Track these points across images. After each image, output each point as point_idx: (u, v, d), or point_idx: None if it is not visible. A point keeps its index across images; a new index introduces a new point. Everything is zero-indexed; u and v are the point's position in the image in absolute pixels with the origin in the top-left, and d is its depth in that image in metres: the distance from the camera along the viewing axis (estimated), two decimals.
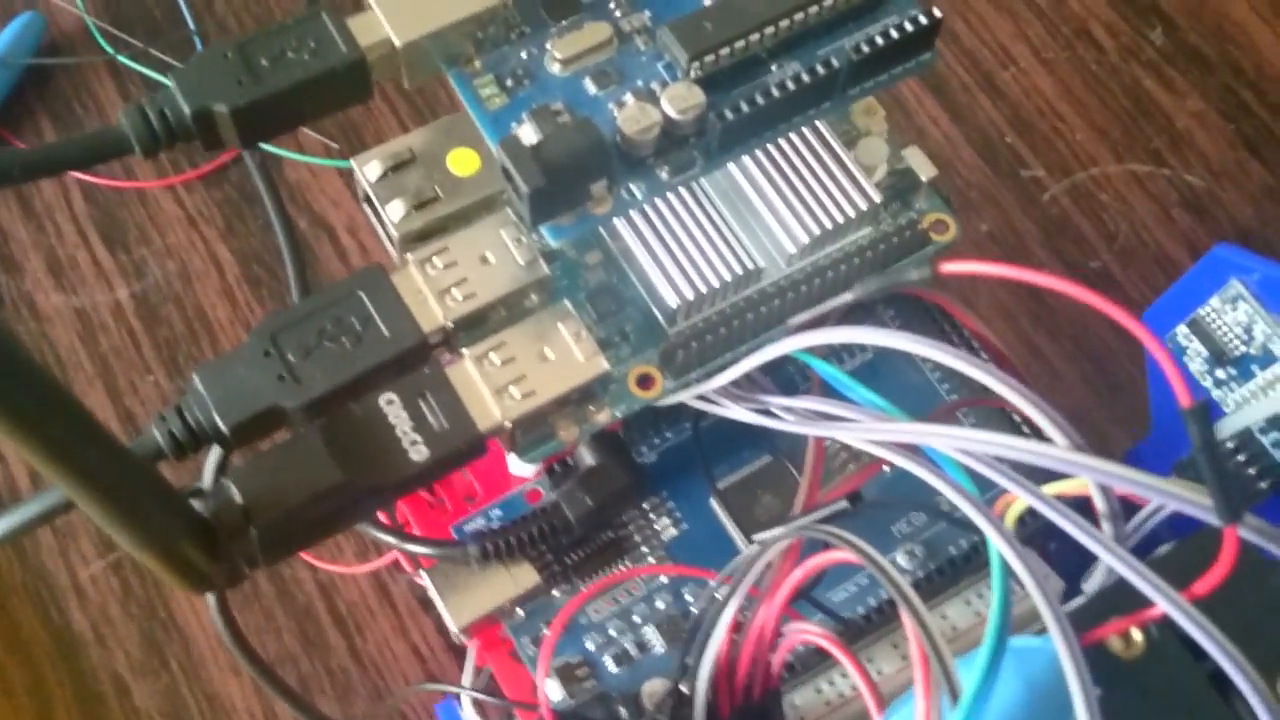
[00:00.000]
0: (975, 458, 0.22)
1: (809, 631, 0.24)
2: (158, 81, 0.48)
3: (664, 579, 0.30)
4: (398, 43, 0.25)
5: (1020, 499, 0.23)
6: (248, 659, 0.27)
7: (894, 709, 0.22)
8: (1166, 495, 0.20)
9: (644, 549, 0.31)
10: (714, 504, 0.30)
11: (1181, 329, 0.28)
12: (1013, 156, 0.52)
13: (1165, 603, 0.20)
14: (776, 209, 0.28)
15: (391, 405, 0.25)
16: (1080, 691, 0.20)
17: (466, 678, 0.30)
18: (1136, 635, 0.23)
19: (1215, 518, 0.20)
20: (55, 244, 0.47)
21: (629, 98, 0.25)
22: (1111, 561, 0.21)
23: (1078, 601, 0.24)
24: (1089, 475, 0.21)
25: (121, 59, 0.50)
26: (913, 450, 0.25)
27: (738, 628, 0.25)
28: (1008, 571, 0.21)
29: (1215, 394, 0.28)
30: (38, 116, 0.49)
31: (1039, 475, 0.24)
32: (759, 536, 0.25)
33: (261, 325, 0.25)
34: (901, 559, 0.31)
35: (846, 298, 0.25)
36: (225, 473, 0.25)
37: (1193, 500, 0.20)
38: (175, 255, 0.47)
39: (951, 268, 0.22)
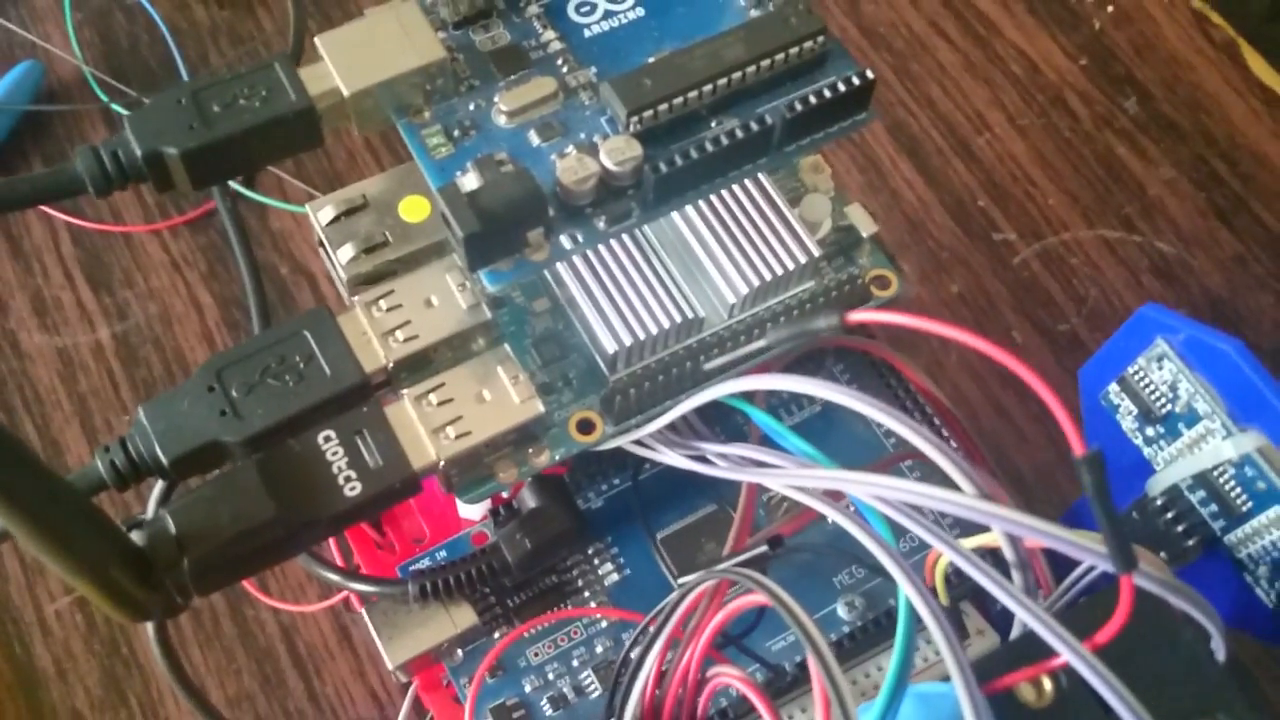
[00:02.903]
0: (893, 507, 0.23)
1: (729, 675, 0.24)
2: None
3: (604, 623, 0.31)
4: (346, 92, 0.25)
5: (969, 572, 0.23)
6: (180, 684, 0.27)
7: None
8: (1065, 544, 0.21)
9: (586, 593, 0.31)
10: (653, 550, 0.31)
11: (1113, 387, 0.29)
12: (985, 220, 0.53)
13: (1067, 651, 0.21)
14: (719, 260, 0.29)
15: (329, 442, 0.26)
16: None
17: (401, 717, 0.30)
18: (1048, 685, 0.23)
19: (1111, 565, 0.21)
20: (41, 284, 0.48)
21: (571, 149, 0.26)
22: (1015, 609, 0.21)
23: (990, 649, 0.25)
24: (994, 524, 0.22)
25: (115, 107, 0.51)
26: (839, 500, 0.25)
27: (663, 671, 0.26)
28: (914, 617, 0.21)
29: (1146, 452, 0.29)
30: (32, 161, 0.51)
31: (971, 529, 0.25)
32: (682, 580, 0.26)
33: (208, 362, 0.26)
34: (841, 610, 0.31)
35: (759, 344, 0.26)
36: (166, 504, 0.26)
37: (1089, 549, 0.21)
38: (157, 298, 0.48)
39: (857, 316, 0.23)
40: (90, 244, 0.49)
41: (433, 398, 0.26)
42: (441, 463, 0.26)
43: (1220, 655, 0.24)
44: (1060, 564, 0.27)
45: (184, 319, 0.48)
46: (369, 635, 0.35)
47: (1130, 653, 0.22)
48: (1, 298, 0.48)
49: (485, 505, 0.31)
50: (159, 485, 0.27)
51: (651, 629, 0.25)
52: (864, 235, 0.30)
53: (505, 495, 0.31)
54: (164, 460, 0.25)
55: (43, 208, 0.49)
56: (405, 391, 0.26)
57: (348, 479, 0.25)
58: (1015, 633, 0.26)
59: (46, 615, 0.42)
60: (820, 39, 0.27)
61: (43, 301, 0.48)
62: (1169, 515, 0.28)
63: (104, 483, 0.25)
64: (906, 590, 0.21)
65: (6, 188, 0.24)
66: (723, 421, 0.31)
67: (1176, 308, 0.52)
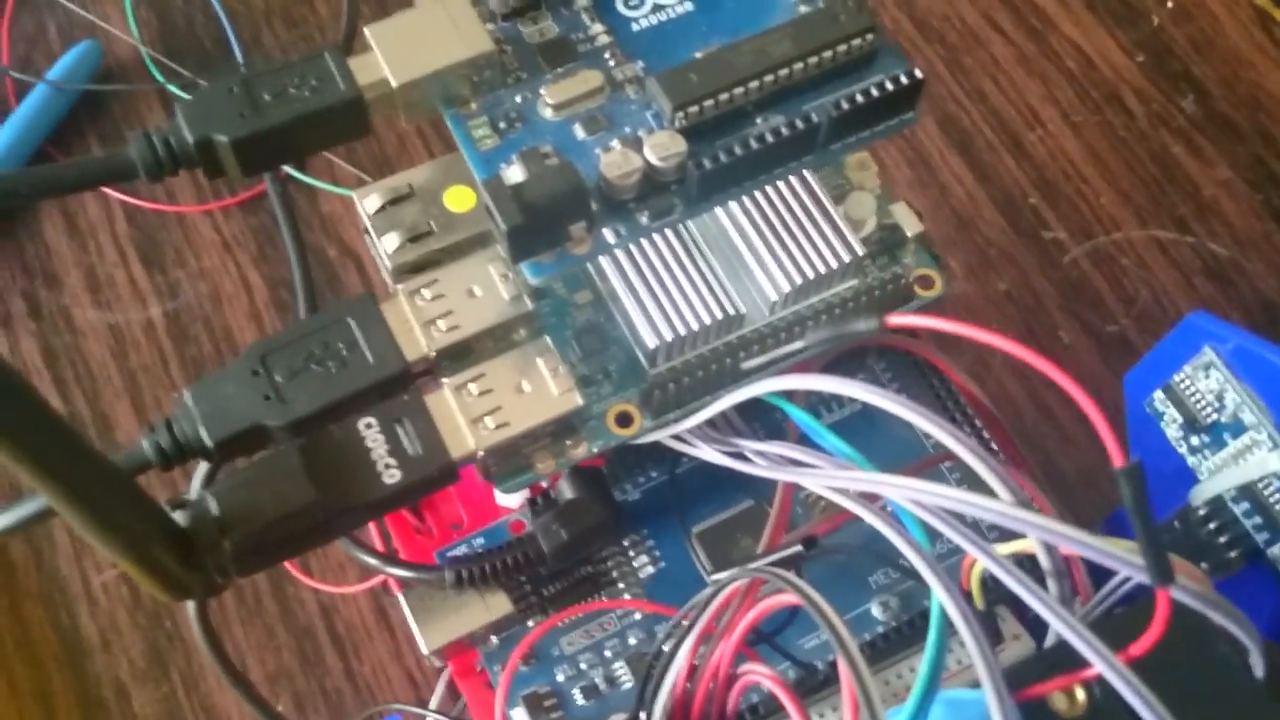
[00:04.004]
0: (929, 511, 0.23)
1: (759, 673, 0.24)
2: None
3: (637, 616, 0.31)
4: (394, 84, 0.26)
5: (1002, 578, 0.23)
6: (220, 662, 0.28)
7: None
8: (1101, 554, 0.21)
9: (621, 585, 0.31)
10: (688, 544, 0.31)
11: (1159, 394, 0.28)
12: (1035, 217, 0.52)
13: (1100, 662, 0.21)
14: (761, 256, 0.29)
15: (370, 429, 0.26)
16: None
17: (434, 700, 0.30)
18: (1080, 695, 0.23)
19: (1147, 578, 0.20)
20: (96, 261, 0.49)
21: (615, 143, 0.26)
22: (1049, 617, 0.21)
23: (1025, 655, 0.24)
24: (1030, 531, 0.22)
25: (171, 88, 0.52)
26: (875, 501, 0.25)
27: (694, 666, 0.26)
28: (946, 621, 0.21)
29: (1190, 461, 0.28)
30: (89, 140, 0.52)
31: (1009, 533, 0.25)
32: (715, 577, 0.26)
33: (253, 347, 0.26)
34: (876, 610, 0.31)
35: (796, 346, 0.26)
36: (210, 486, 0.26)
37: (1126, 560, 0.20)
38: (208, 278, 0.49)
39: (897, 320, 0.22)
40: (144, 223, 0.50)
41: (473, 387, 0.27)
42: (480, 452, 0.26)
43: (1259, 671, 0.23)
44: (1100, 570, 0.27)
45: (233, 299, 0.48)
46: (406, 618, 0.36)
47: (1165, 666, 0.22)
48: (57, 274, 0.49)
49: (524, 494, 0.31)
50: (203, 467, 0.28)
51: (684, 624, 0.25)
52: (909, 234, 0.30)
53: (543, 485, 0.31)
54: (208, 442, 0.25)
55: (98, 189, 0.50)
56: (446, 380, 0.27)
57: (387, 466, 0.25)
58: (1049, 641, 0.26)
59: (93, 587, 0.43)
60: (869, 36, 0.26)
61: (96, 278, 0.49)
62: (1212, 526, 0.27)
63: (149, 463, 0.26)
64: (939, 594, 0.21)
65: (63, 171, 0.25)
66: (762, 418, 0.31)
67: (1228, 311, 0.51)
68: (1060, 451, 0.47)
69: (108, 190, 0.50)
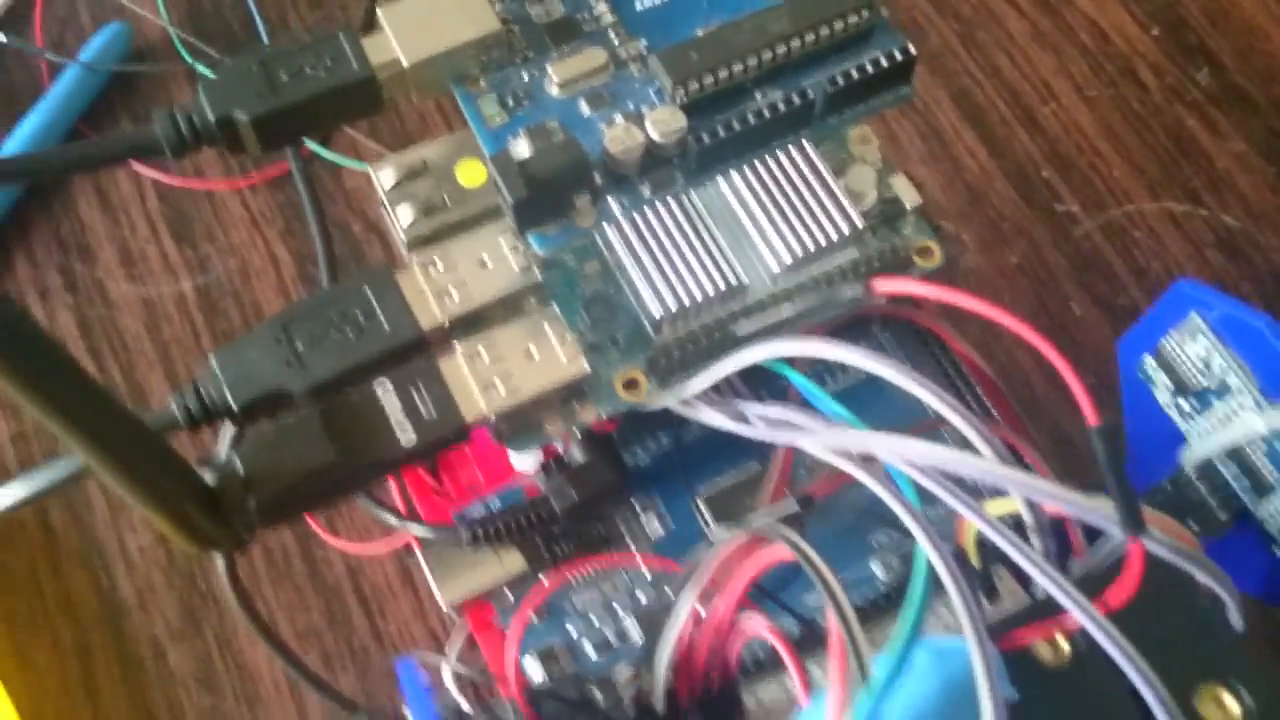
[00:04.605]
0: (916, 468, 0.24)
1: (757, 624, 0.25)
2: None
3: (647, 575, 0.32)
4: (406, 63, 0.27)
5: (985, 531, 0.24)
6: (247, 612, 0.29)
7: (817, 697, 0.24)
8: (1076, 507, 0.21)
9: (631, 546, 0.33)
10: (695, 507, 0.32)
11: (1149, 360, 0.29)
12: (1048, 191, 0.53)
13: (1076, 610, 0.22)
14: (763, 228, 0.30)
15: (386, 392, 0.27)
16: (987, 687, 0.21)
17: (452, 651, 0.32)
18: (1065, 646, 0.24)
19: (1122, 531, 0.21)
20: (128, 236, 0.50)
21: (619, 119, 0.27)
22: (1028, 568, 0.22)
23: (1009, 610, 0.25)
24: (1010, 487, 0.23)
25: (199, 68, 0.53)
26: (871, 463, 0.26)
27: (698, 620, 0.27)
28: (930, 570, 0.22)
29: (1181, 425, 0.29)
30: (120, 119, 0.53)
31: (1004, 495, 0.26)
32: (714, 534, 0.27)
33: (275, 315, 0.28)
34: (876, 569, 0.32)
35: (794, 313, 0.27)
36: (232, 447, 0.28)
37: (1099, 512, 0.21)
38: (237, 253, 0.50)
39: (884, 286, 0.23)
40: (175, 200, 0.51)
41: (484, 354, 0.28)
42: (491, 415, 0.27)
43: (1237, 625, 0.24)
44: (1095, 533, 0.28)
45: (262, 273, 0.50)
46: (426, 575, 0.37)
47: (1144, 617, 0.23)
48: (91, 248, 0.50)
49: (537, 458, 0.33)
50: (229, 429, 0.29)
51: (686, 579, 0.27)
52: (908, 207, 0.31)
53: (556, 449, 0.32)
54: (233, 405, 0.27)
55: (131, 164, 0.51)
56: (458, 347, 0.28)
57: (402, 427, 0.27)
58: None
59: (130, 550, 0.44)
60: (865, 13, 0.27)
61: (130, 253, 0.50)
62: (1201, 488, 0.28)
63: (177, 424, 0.27)
64: (920, 540, 0.22)
65: (92, 147, 0.26)
66: (769, 385, 0.32)
67: (1239, 283, 0.52)
68: (1068, 419, 0.48)
69: (139, 168, 0.51)
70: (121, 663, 0.43)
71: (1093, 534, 0.28)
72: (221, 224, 0.51)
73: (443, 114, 0.54)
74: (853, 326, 0.35)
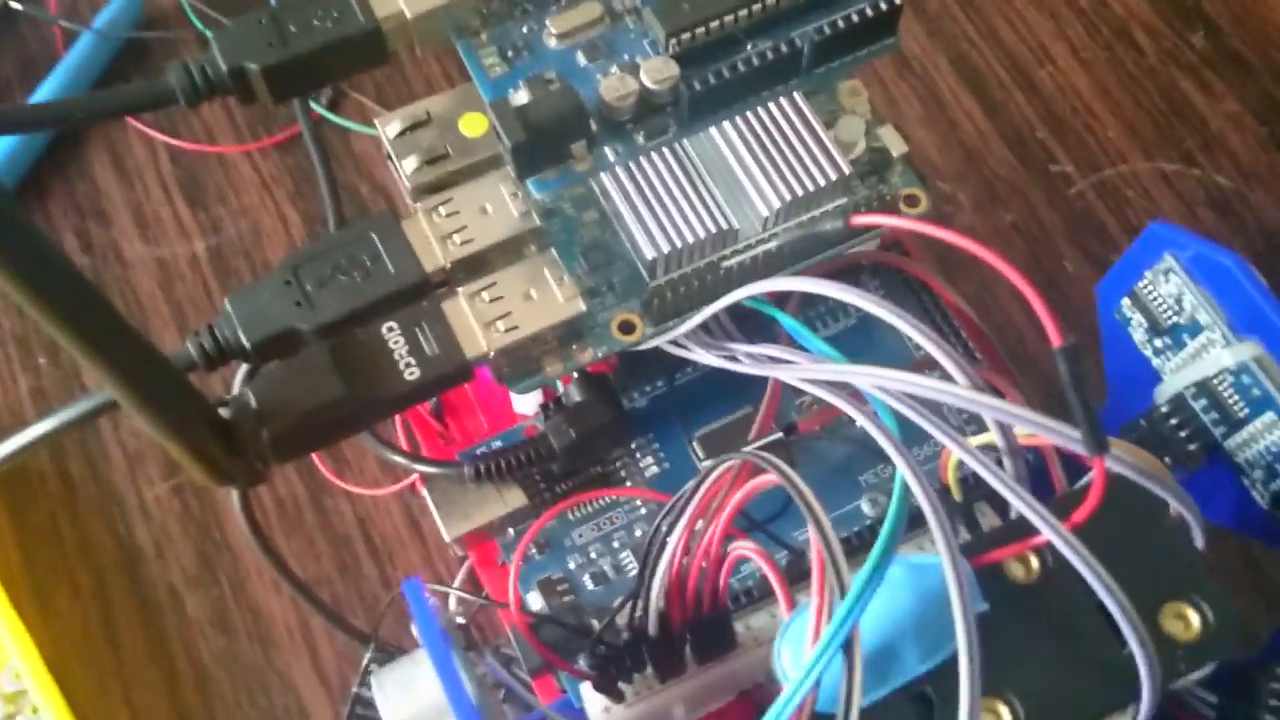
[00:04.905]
0: (894, 396, 0.25)
1: (745, 548, 0.27)
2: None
3: (642, 510, 0.33)
4: (409, 15, 0.28)
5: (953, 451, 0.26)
6: (263, 549, 0.30)
7: (800, 609, 0.25)
8: (1043, 428, 0.23)
9: (628, 483, 0.34)
10: (689, 447, 0.33)
11: (1125, 301, 0.30)
12: (1043, 151, 0.54)
13: (1044, 526, 0.23)
14: (754, 175, 0.31)
15: (391, 332, 0.28)
16: (961, 599, 0.22)
17: (456, 580, 0.33)
18: (1035, 563, 0.25)
19: (1084, 450, 0.22)
20: (143, 199, 0.52)
21: (614, 69, 0.28)
22: (998, 486, 0.23)
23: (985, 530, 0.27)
24: (983, 411, 0.24)
25: (210, 34, 0.54)
26: (855, 397, 0.27)
27: (688, 548, 0.28)
28: (905, 488, 0.23)
29: (1155, 362, 0.30)
30: None
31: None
32: (704, 464, 0.28)
33: (286, 258, 0.29)
34: (865, 506, 0.33)
35: (770, 246, 0.28)
36: (245, 384, 0.29)
37: (1064, 434, 0.23)
38: (248, 215, 0.51)
39: (861, 219, 0.24)
40: (187, 163, 0.53)
41: (485, 295, 0.29)
42: (491, 353, 0.28)
43: (1199, 543, 0.25)
44: (1075, 476, 0.29)
45: (272, 234, 0.51)
46: (431, 512, 0.38)
47: (1111, 537, 0.24)
48: (106, 211, 0.52)
49: (537, 401, 0.34)
50: (242, 369, 0.30)
51: (678, 507, 0.28)
52: (895, 155, 0.32)
53: (556, 392, 0.33)
54: (246, 344, 0.28)
55: (144, 130, 0.53)
56: (460, 289, 0.29)
57: (407, 365, 0.28)
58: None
59: (146, 501, 0.46)
60: None
61: (144, 215, 0.51)
62: (1174, 422, 0.29)
63: (194, 363, 0.28)
64: (895, 458, 0.23)
65: (109, 97, 0.27)
66: (762, 331, 0.33)
67: (1230, 240, 0.53)
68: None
69: (152, 132, 0.52)
70: (139, 608, 0.44)
71: (1074, 476, 0.29)
72: (233, 186, 0.52)
73: (449, 80, 0.55)
74: (843, 273, 0.36)
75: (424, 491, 0.33)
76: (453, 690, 0.24)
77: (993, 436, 0.27)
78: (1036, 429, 0.23)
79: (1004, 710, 0.24)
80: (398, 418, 0.37)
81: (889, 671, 0.24)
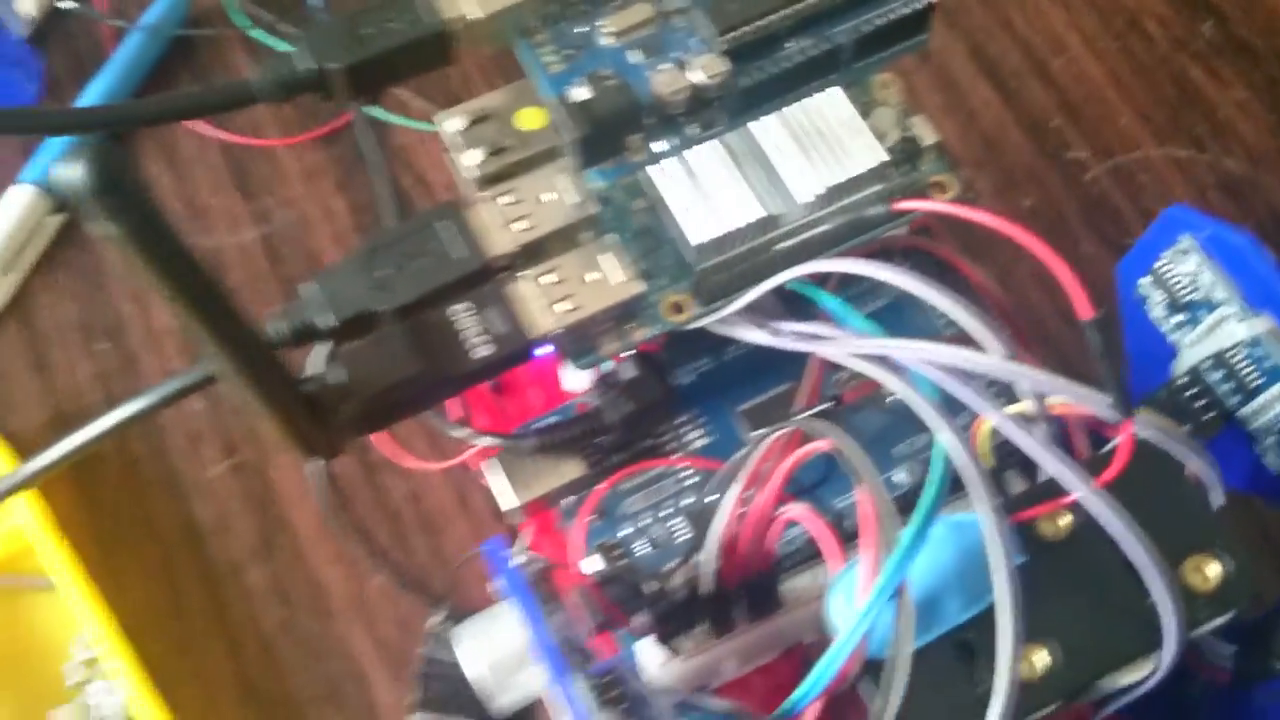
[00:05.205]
0: (934, 368, 0.27)
1: (797, 510, 0.29)
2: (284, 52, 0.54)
3: (690, 481, 0.35)
4: (476, 17, 0.30)
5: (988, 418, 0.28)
6: (337, 514, 0.33)
7: (849, 566, 0.27)
8: (1073, 393, 0.25)
9: (677, 455, 0.36)
10: (734, 420, 0.35)
11: (1144, 280, 0.32)
12: (1058, 139, 0.56)
13: (1075, 484, 0.25)
14: (795, 164, 0.33)
15: (461, 313, 0.30)
16: (1000, 552, 0.24)
17: (520, 546, 0.35)
18: (1064, 521, 0.27)
19: (1113, 414, 0.24)
20: (194, 192, 0.54)
21: (666, 65, 0.31)
22: (1027, 447, 0.25)
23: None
24: (1015, 378, 0.26)
25: (255, 34, 0.56)
26: (895, 369, 0.30)
27: (742, 513, 0.30)
28: (946, 456, 0.25)
29: (1173, 338, 0.32)
30: (182, 83, 0.56)
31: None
32: (756, 433, 0.30)
33: (362, 246, 0.31)
34: (900, 475, 0.35)
35: (812, 231, 0.30)
36: (328, 361, 0.31)
37: (1093, 397, 0.25)
38: (295, 205, 0.54)
39: (903, 205, 0.26)
40: (236, 157, 0.55)
41: (547, 278, 0.31)
42: (555, 332, 0.30)
43: (1217, 503, 0.28)
44: (1099, 445, 0.31)
45: (319, 224, 0.53)
46: (486, 496, 0.40)
47: (1134, 497, 0.26)
48: (161, 204, 0.54)
49: (589, 378, 0.36)
50: (320, 349, 0.32)
51: (732, 473, 0.30)
52: (927, 144, 0.34)
53: (607, 370, 0.35)
54: (329, 324, 0.30)
55: (193, 126, 0.55)
56: (523, 274, 0.31)
57: (476, 343, 0.30)
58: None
59: (207, 479, 0.48)
60: None
61: (195, 207, 0.54)
62: (1191, 393, 0.31)
63: (275, 342, 0.30)
64: (933, 424, 0.25)
65: (198, 98, 0.30)
66: (803, 312, 0.35)
67: (1242, 221, 0.55)
68: (1079, 358, 0.51)
69: (201, 128, 0.54)
70: (203, 581, 0.46)
71: (1096, 447, 0.31)
72: (280, 179, 0.54)
73: (483, 74, 0.57)
74: (875, 256, 0.38)
75: (483, 465, 0.35)
76: (539, 632, 0.26)
77: (1023, 407, 0.29)
78: (1069, 396, 0.25)
79: (1040, 654, 0.26)
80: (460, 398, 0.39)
81: (933, 621, 0.26)
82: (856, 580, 0.25)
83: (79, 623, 0.44)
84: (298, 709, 0.44)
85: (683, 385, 0.37)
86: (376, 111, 0.54)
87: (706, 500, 0.31)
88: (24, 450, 0.46)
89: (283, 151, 0.55)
